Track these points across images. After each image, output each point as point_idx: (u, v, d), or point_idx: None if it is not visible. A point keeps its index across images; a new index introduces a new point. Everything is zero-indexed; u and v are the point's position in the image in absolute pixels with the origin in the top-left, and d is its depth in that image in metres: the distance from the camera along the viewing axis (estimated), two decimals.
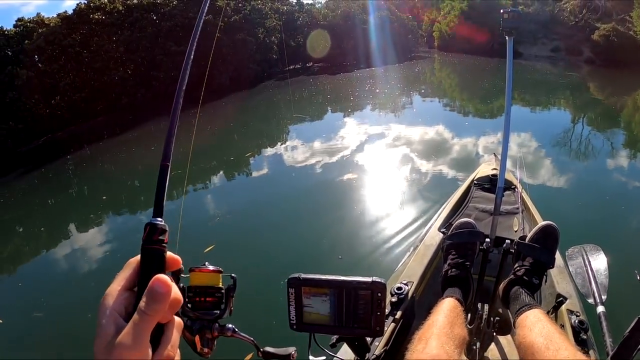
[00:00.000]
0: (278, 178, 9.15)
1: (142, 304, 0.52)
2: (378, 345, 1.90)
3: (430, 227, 3.25)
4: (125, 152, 14.16)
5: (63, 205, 10.55)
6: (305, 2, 33.77)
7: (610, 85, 19.27)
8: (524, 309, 1.86)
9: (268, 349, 0.76)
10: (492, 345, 2.23)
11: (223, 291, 0.70)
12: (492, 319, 2.33)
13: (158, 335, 0.54)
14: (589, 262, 2.38)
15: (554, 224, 2.20)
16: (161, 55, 21.64)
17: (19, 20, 22.11)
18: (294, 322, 0.87)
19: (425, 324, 1.75)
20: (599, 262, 2.37)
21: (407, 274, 2.56)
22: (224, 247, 5.85)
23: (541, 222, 2.34)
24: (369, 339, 1.48)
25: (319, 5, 35.79)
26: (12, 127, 17.88)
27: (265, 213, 7.09)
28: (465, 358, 1.80)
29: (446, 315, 1.77)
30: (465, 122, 12.66)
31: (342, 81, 24.19)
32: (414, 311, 2.35)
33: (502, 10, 2.25)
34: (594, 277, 2.26)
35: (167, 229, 0.59)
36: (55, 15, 22.32)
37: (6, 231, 9.38)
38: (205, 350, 0.70)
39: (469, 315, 2.22)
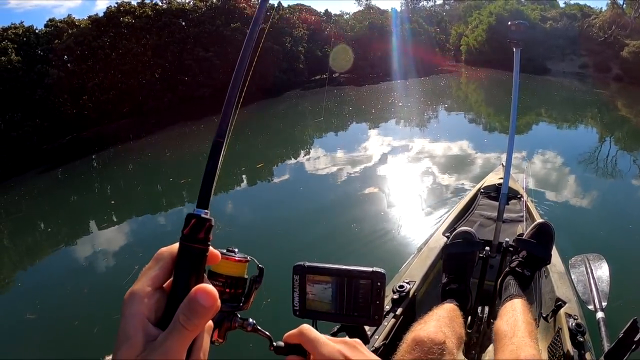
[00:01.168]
0: (298, 183, 9.31)
1: (181, 316, 0.47)
2: (378, 339, 1.98)
3: (435, 232, 3.34)
4: (150, 155, 14.17)
5: (84, 203, 10.56)
6: (333, 12, 33.94)
7: (639, 103, 18.90)
8: (507, 299, 2.02)
9: (280, 343, 0.70)
10: (492, 347, 2.15)
11: (247, 282, 0.65)
12: (492, 320, 2.35)
13: (190, 344, 0.49)
14: (592, 270, 2.41)
15: (549, 222, 2.35)
16: (189, 60, 21.70)
17: (50, 20, 22.36)
18: (297, 308, 0.85)
19: (426, 315, 1.84)
20: (602, 270, 2.39)
21: (410, 274, 2.65)
22: (243, 239, 6.17)
23: (538, 220, 2.51)
24: (369, 332, 1.58)
25: (347, 16, 35.90)
26: (38, 124, 17.99)
27: (283, 214, 7.33)
28: (463, 358, 1.91)
29: (447, 312, 1.87)
30: (486, 138, 12.62)
31: (366, 93, 24.07)
32: (415, 309, 2.42)
33: (509, 22, 2.34)
34: (596, 284, 2.29)
35: (214, 224, 0.52)
36: (85, 18, 22.60)
37: (27, 225, 9.41)
38: (220, 340, 0.65)
39: (469, 318, 2.35)
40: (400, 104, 19.73)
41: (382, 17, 33.73)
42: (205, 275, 0.54)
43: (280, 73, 25.17)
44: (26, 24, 21.26)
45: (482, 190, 3.83)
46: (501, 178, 3.69)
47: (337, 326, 1.08)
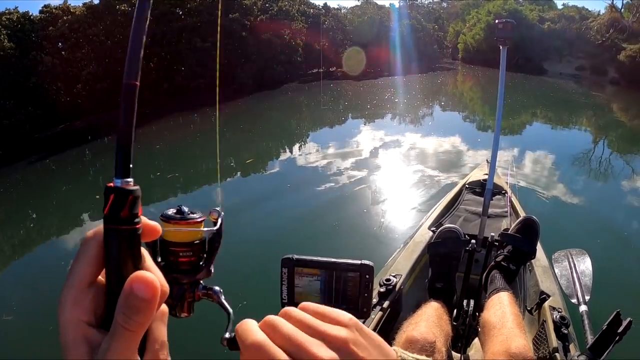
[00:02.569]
0: (287, 177, 9.26)
1: (120, 317, 0.39)
2: None
3: (420, 226, 3.40)
4: (139, 148, 13.80)
5: (77, 193, 10.40)
6: (331, 6, 33.71)
7: (634, 107, 19.23)
8: (493, 292, 2.08)
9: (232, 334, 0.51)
10: (477, 339, 2.24)
11: (205, 245, 0.57)
12: (477, 313, 2.40)
13: (143, 338, 0.42)
14: (575, 264, 2.44)
15: (534, 217, 2.43)
16: (186, 50, 21.45)
17: (45, 6, 21.84)
18: (286, 301, 0.84)
19: (415, 314, 1.90)
20: (585, 265, 2.43)
21: (396, 268, 2.69)
22: (230, 232, 5.95)
23: (523, 215, 2.61)
24: None
25: (344, 10, 35.66)
26: (30, 112, 17.68)
27: (272, 208, 7.26)
28: (450, 351, 1.94)
29: (435, 310, 1.93)
30: (479, 135, 12.73)
31: (363, 88, 24.08)
32: (401, 302, 2.47)
33: (496, 20, 2.43)
34: (579, 278, 2.32)
35: (140, 193, 0.43)
36: (81, 4, 22.18)
37: (16, 216, 9.28)
38: (185, 314, 0.57)
39: (455, 311, 2.37)
40: (396, 100, 19.78)
41: (381, 12, 33.54)
42: (146, 256, 0.44)
43: (278, 65, 25.01)
44: (21, 10, 20.93)
45: (467, 186, 3.93)
46: (486, 174, 3.88)
47: None
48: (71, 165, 12.98)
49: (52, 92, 19.36)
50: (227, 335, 0.52)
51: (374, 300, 2.30)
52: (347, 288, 0.91)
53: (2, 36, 18.61)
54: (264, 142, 12.78)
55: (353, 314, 0.90)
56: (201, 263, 0.57)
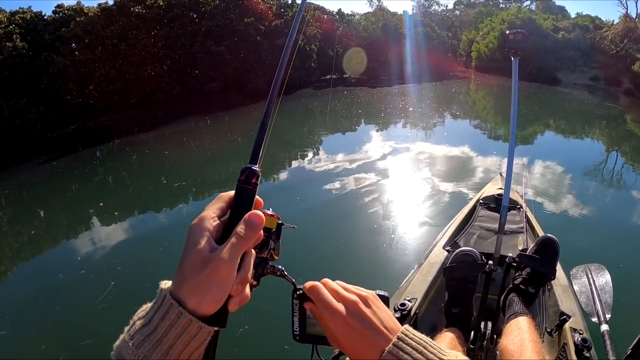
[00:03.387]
0: (295, 191, 8.86)
1: (240, 229, 0.62)
2: None
3: (435, 245, 3.32)
4: (154, 149, 13.86)
5: (86, 194, 10.27)
6: (345, 12, 33.55)
7: None
8: (511, 317, 2.03)
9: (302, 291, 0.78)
10: None
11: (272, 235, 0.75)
12: (494, 336, 2.36)
13: (241, 259, 0.63)
14: (594, 281, 2.39)
15: (553, 236, 2.31)
16: (200, 53, 21.31)
17: (58, 6, 21.80)
18: (297, 333, 0.81)
19: None
20: (604, 281, 2.37)
21: (411, 291, 2.63)
22: None
23: (542, 234, 2.51)
24: None
25: (358, 17, 35.48)
26: (42, 112, 17.60)
27: (281, 212, 6.86)
28: None
29: (448, 344, 1.91)
30: (493, 146, 12.46)
31: (377, 95, 23.85)
32: (417, 327, 2.17)
33: (507, 31, 2.36)
34: (599, 296, 2.27)
35: (260, 174, 0.70)
36: (95, 5, 22.10)
37: (27, 213, 9.21)
38: (254, 282, 0.72)
39: (472, 334, 2.30)
40: (410, 109, 19.45)
41: (394, 18, 33.35)
42: None
43: (292, 71, 24.29)
44: (34, 9, 20.90)
45: (481, 201, 3.87)
46: (500, 188, 3.93)
47: (338, 350, 1.06)
48: (81, 166, 12.82)
49: (64, 92, 19.23)
50: (298, 292, 0.76)
51: None
52: None
53: (14, 35, 18.54)
54: (274, 151, 12.40)
55: None
56: (270, 246, 0.74)
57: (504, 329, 2.02)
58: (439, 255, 3.03)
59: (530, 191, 7.28)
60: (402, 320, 2.24)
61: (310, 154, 11.79)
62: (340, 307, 0.70)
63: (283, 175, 10.08)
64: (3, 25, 18.75)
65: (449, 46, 37.17)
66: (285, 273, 0.77)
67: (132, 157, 13.36)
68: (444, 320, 2.34)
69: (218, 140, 14.19)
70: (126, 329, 0.60)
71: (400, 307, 2.34)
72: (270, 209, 0.74)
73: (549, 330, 2.34)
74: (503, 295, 2.32)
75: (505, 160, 9.41)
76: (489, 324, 2.44)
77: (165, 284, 0.61)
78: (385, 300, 0.83)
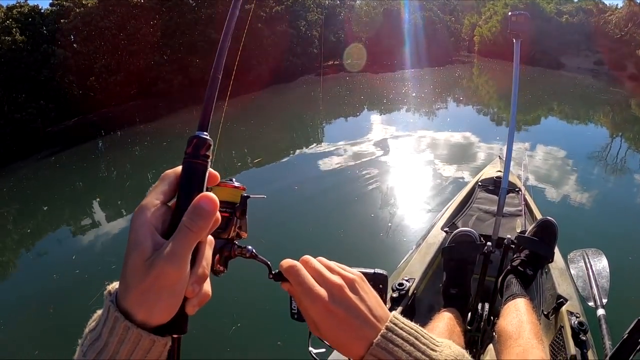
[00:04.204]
0: (296, 177, 8.86)
1: (186, 220, 0.51)
2: None
3: (433, 226, 3.31)
4: (157, 140, 13.74)
5: (89, 187, 10.20)
6: None
7: None
8: (509, 298, 2.04)
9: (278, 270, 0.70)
10: (492, 346, 2.19)
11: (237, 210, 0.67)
12: (492, 317, 2.35)
13: (194, 252, 0.53)
14: (591, 265, 2.41)
15: (551, 219, 2.33)
16: (201, 42, 21.11)
17: None
18: (295, 312, 0.77)
19: (425, 329, 1.41)
20: (601, 266, 2.39)
21: (409, 271, 2.62)
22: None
23: (540, 217, 2.57)
24: None
25: (359, 2, 35.02)
26: (42, 106, 17.43)
27: (279, 211, 6.96)
28: None
29: (446, 324, 1.90)
30: (496, 130, 12.35)
31: (379, 81, 23.68)
32: (415, 307, 2.43)
33: (509, 13, 2.34)
34: (595, 280, 2.29)
35: (212, 142, 0.57)
36: None
37: (29, 208, 9.17)
38: (221, 268, 0.66)
39: (470, 315, 2.32)
40: (414, 94, 19.32)
41: (396, 3, 32.98)
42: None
43: (294, 57, 24.62)
44: (31, 3, 20.73)
45: (479, 184, 3.86)
46: (499, 171, 3.92)
47: None
48: (84, 159, 12.68)
49: (65, 85, 19.07)
50: (273, 272, 0.68)
51: (387, 307, 1.92)
52: None
53: (13, 30, 18.40)
54: (274, 138, 12.43)
55: None
56: (234, 224, 0.66)
57: (502, 310, 2.03)
58: (437, 235, 3.03)
59: (530, 175, 7.41)
60: (400, 299, 2.30)
61: (310, 141, 11.75)
62: (322, 292, 0.61)
63: (282, 163, 10.00)
64: (0, 20, 18.59)
65: (452, 31, 36.75)
66: (257, 254, 0.70)
67: (133, 149, 13.30)
68: (442, 300, 2.30)
69: (223, 128, 13.94)
70: (80, 342, 0.52)
71: (398, 287, 2.36)
72: (234, 179, 0.67)
73: (545, 313, 2.36)
74: (501, 277, 2.32)
75: (520, 145, 9.41)
76: (487, 306, 2.45)
77: (113, 287, 0.53)
78: (384, 279, 0.83)
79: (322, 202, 7.19)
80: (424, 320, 1.98)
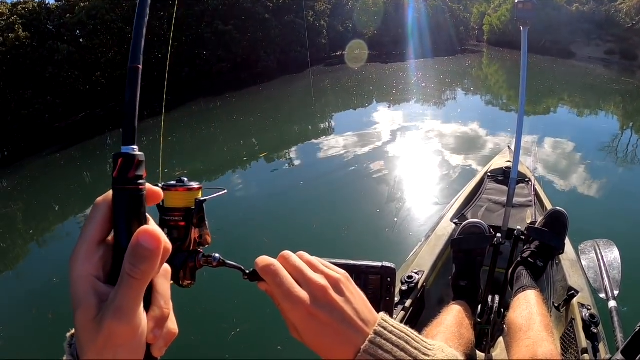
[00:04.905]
0: (303, 170, 8.81)
1: (127, 266, 0.42)
2: None
3: (442, 218, 3.25)
4: (151, 140, 13.46)
5: (99, 181, 9.97)
6: None
7: None
8: (519, 290, 2.04)
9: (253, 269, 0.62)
10: (503, 338, 2.14)
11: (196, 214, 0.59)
12: (502, 310, 2.33)
13: (148, 292, 0.45)
14: (602, 256, 2.35)
15: (562, 209, 2.31)
16: (208, 34, 20.97)
17: None
18: None
19: (434, 322, 1.87)
20: (612, 257, 2.33)
21: (418, 264, 2.58)
22: (241, 225, 6.09)
23: (550, 208, 2.57)
24: None
25: None
26: (49, 101, 17.43)
27: (286, 203, 7.06)
28: (475, 350, 1.99)
29: (455, 316, 1.88)
30: (507, 122, 11.91)
31: (389, 72, 23.31)
32: (424, 300, 2.40)
33: (516, 1, 2.30)
34: (607, 271, 2.23)
35: (144, 158, 0.47)
36: None
37: (38, 204, 9.04)
38: (188, 282, 0.60)
39: (480, 307, 2.26)
40: (423, 84, 19.00)
41: None
42: (151, 219, 0.48)
43: (302, 48, 24.35)
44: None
45: (489, 174, 3.81)
46: (509, 161, 3.86)
47: None
48: (92, 154, 12.58)
49: (71, 80, 19.00)
50: (247, 271, 0.60)
51: (396, 299, 2.18)
52: (368, 292, 0.80)
53: (16, 26, 18.33)
54: (281, 130, 12.28)
55: None
56: (193, 231, 0.59)
57: (512, 302, 2.01)
58: (446, 227, 2.97)
59: (540, 165, 7.40)
60: (409, 293, 2.25)
61: (318, 134, 11.47)
62: (303, 294, 0.55)
63: (288, 158, 9.75)
64: (5, 17, 18.59)
65: (462, 20, 36.40)
66: (225, 260, 0.61)
67: (141, 144, 12.99)
68: (452, 293, 2.26)
69: (230, 121, 13.98)
70: None
71: (407, 279, 2.32)
72: (186, 179, 0.58)
73: (556, 305, 2.32)
74: (511, 269, 2.30)
75: (529, 137, 9.07)
76: (497, 298, 2.39)
77: (73, 337, 0.46)
78: (392, 272, 0.81)
79: (329, 195, 7.06)
80: (433, 313, 1.98)
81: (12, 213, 8.84)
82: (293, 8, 23.24)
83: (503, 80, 20.95)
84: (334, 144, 9.96)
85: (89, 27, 20.02)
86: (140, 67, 0.49)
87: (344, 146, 9.63)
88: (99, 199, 0.46)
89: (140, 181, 0.46)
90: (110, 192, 0.45)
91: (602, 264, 2.29)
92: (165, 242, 0.44)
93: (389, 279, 0.83)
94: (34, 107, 16.84)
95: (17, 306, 5.06)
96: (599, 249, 2.41)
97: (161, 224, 0.57)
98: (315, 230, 5.84)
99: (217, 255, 0.61)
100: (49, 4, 20.85)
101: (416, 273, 2.39)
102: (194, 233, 0.59)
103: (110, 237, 0.46)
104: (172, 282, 0.53)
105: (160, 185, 0.55)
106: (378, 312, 0.82)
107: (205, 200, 0.59)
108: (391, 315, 0.86)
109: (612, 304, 1.99)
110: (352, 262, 0.83)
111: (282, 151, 10.14)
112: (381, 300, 0.85)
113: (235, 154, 10.29)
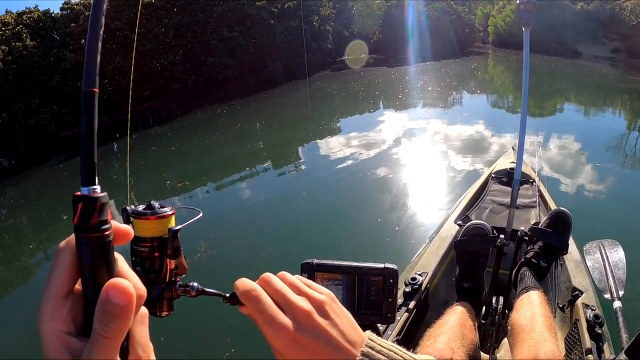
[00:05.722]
0: (306, 176, 8.84)
1: (97, 325, 0.39)
2: (391, 334, 1.99)
3: (446, 219, 3.28)
4: (172, 141, 13.55)
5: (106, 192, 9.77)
6: None
7: None
8: (523, 291, 2.04)
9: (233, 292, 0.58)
10: (506, 340, 2.10)
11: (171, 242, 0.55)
12: (506, 311, 2.33)
13: (124, 341, 0.42)
14: (607, 257, 2.35)
15: (565, 210, 2.28)
16: (214, 40, 20.98)
17: (65, 3, 21.82)
18: None
19: (437, 322, 1.87)
20: (617, 257, 2.33)
21: (422, 265, 2.61)
22: (247, 230, 6.19)
23: (554, 208, 2.61)
24: (381, 328, 1.40)
25: None
26: (56, 111, 17.44)
27: (289, 208, 7.11)
28: (479, 351, 2.00)
29: (458, 317, 1.88)
30: (514, 123, 11.25)
31: (395, 75, 23.10)
32: (428, 302, 2.43)
33: (518, 1, 2.32)
34: (612, 272, 2.24)
35: (108, 199, 0.42)
36: None
37: (45, 214, 9.07)
38: (166, 313, 0.56)
39: (483, 309, 2.29)
40: (429, 88, 18.80)
41: None
42: (121, 261, 0.44)
43: (308, 53, 24.24)
44: (42, 8, 20.96)
45: (493, 175, 3.83)
46: (512, 162, 3.79)
47: None
48: (101, 163, 12.15)
49: (77, 89, 18.83)
50: (226, 295, 0.56)
51: (400, 301, 2.23)
52: (371, 293, 0.90)
53: (23, 35, 18.41)
54: (286, 137, 12.26)
55: (377, 320, 1.01)
56: (169, 262, 0.55)
57: (515, 303, 2.02)
58: (450, 229, 3.01)
59: (544, 165, 7.19)
60: (412, 294, 2.27)
61: (323, 141, 11.32)
62: (286, 321, 0.52)
63: (290, 167, 9.62)
64: (10, 27, 18.72)
65: (467, 21, 36.24)
66: (203, 289, 0.58)
67: (149, 151, 12.94)
68: (455, 295, 2.26)
69: (235, 130, 13.80)
70: None
71: (411, 281, 2.34)
72: (157, 204, 0.54)
73: (561, 305, 2.34)
74: (515, 269, 2.30)
75: (533, 138, 8.85)
76: (501, 299, 2.42)
77: None
78: (394, 273, 0.84)
79: (331, 204, 7.01)
80: (437, 315, 1.97)
81: (19, 223, 8.81)
82: (298, 13, 23.20)
83: (509, 82, 20.65)
84: (339, 150, 9.93)
85: None
86: (97, 90, 0.42)
87: (349, 153, 9.60)
88: (62, 244, 0.41)
89: (105, 226, 0.41)
90: (74, 237, 0.41)
91: (607, 265, 2.29)
92: (139, 289, 0.41)
93: (391, 280, 0.87)
94: (40, 116, 16.83)
95: (25, 318, 4.87)
96: (604, 250, 2.41)
97: (133, 254, 0.54)
98: (317, 240, 5.79)
99: (195, 284, 0.58)
100: (53, 13, 20.98)
101: (420, 275, 2.42)
102: (170, 264, 0.55)
103: (78, 284, 0.42)
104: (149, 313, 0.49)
105: (129, 210, 0.53)
106: (382, 314, 0.92)
107: (179, 229, 0.54)
108: (394, 316, 0.95)
109: (617, 304, 2.00)
110: (354, 263, 0.89)
111: (285, 160, 10.11)
112: (384, 301, 0.91)
113: (237, 163, 10.24)
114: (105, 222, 0.41)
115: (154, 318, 0.49)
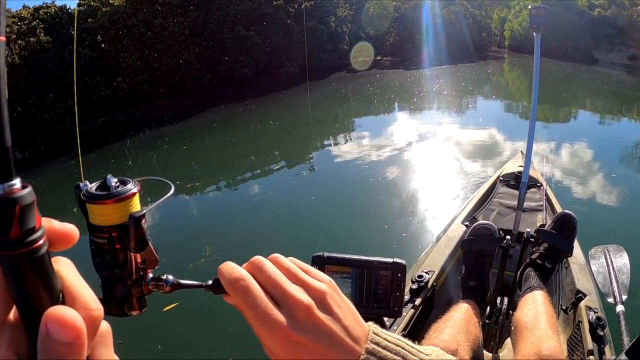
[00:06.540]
0: (317, 174, 9.06)
1: None
2: (396, 330, 2.01)
3: (454, 220, 3.32)
4: (185, 140, 13.37)
5: None
6: None
7: None
8: (527, 290, 2.07)
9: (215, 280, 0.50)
10: (510, 339, 2.07)
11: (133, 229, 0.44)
12: (510, 311, 2.36)
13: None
14: (612, 261, 2.34)
15: (571, 212, 2.36)
16: (229, 39, 20.92)
17: None
18: None
19: (443, 317, 1.91)
20: (622, 262, 2.33)
21: (429, 264, 2.65)
22: (254, 234, 6.07)
23: (560, 210, 2.69)
24: (387, 323, 1.64)
25: None
26: (70, 106, 17.32)
27: (301, 203, 7.28)
28: (482, 350, 2.01)
29: (463, 313, 1.92)
30: (525, 127, 11.74)
31: (410, 79, 22.94)
32: (434, 300, 2.46)
33: (529, 7, 2.38)
34: (616, 276, 2.23)
35: (33, 196, 0.32)
36: None
37: (58, 210, 8.46)
38: (136, 312, 0.47)
39: (488, 309, 2.34)
40: (445, 92, 18.63)
41: None
42: (66, 273, 0.35)
43: (325, 54, 24.16)
44: (58, 4, 20.80)
45: (501, 178, 3.88)
46: (521, 166, 3.82)
47: None
48: (112, 160, 12.45)
49: (92, 85, 19.05)
50: (208, 283, 0.49)
51: (406, 297, 2.24)
52: (379, 286, 0.91)
53: (38, 30, 18.46)
54: (299, 136, 12.30)
55: (384, 314, 1.03)
56: (134, 256, 0.45)
57: (519, 302, 2.05)
58: (457, 229, 3.05)
59: (554, 170, 7.44)
60: (419, 291, 2.30)
61: (335, 143, 11.32)
62: (281, 319, 0.44)
63: (301, 170, 9.61)
64: (27, 22, 18.75)
65: (483, 26, 35.97)
66: (179, 282, 0.50)
67: (162, 149, 12.93)
68: (461, 294, 2.31)
69: (248, 130, 13.72)
70: None
71: (417, 278, 2.36)
72: (115, 180, 0.43)
73: (564, 307, 2.37)
74: (520, 270, 2.34)
75: (544, 145, 8.75)
76: (505, 300, 2.45)
77: None
78: (402, 268, 0.86)
79: (340, 209, 6.94)
80: (442, 313, 2.00)
81: None
82: (315, 13, 23.04)
83: (524, 87, 20.44)
84: (350, 154, 9.93)
85: (110, 32, 20.00)
86: (4, 39, 0.30)
87: (360, 156, 9.60)
88: None
89: (33, 237, 0.31)
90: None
91: (611, 269, 2.30)
92: (92, 311, 0.33)
93: (399, 275, 0.89)
94: (54, 111, 16.82)
95: None
96: (609, 254, 2.41)
97: (91, 244, 0.44)
98: (323, 246, 5.54)
99: (170, 277, 0.49)
100: (70, 8, 20.90)
101: (426, 273, 2.45)
102: (136, 257, 0.45)
103: (13, 314, 0.33)
104: (117, 315, 0.46)
105: (82, 187, 0.43)
106: (389, 307, 0.94)
107: (143, 214, 0.43)
108: (400, 310, 0.99)
109: (620, 308, 2.02)
110: (363, 257, 0.92)
111: (296, 162, 10.09)
112: (391, 295, 0.93)
113: (248, 165, 10.24)
114: (32, 230, 0.31)
115: (154, 318, 0.37)
